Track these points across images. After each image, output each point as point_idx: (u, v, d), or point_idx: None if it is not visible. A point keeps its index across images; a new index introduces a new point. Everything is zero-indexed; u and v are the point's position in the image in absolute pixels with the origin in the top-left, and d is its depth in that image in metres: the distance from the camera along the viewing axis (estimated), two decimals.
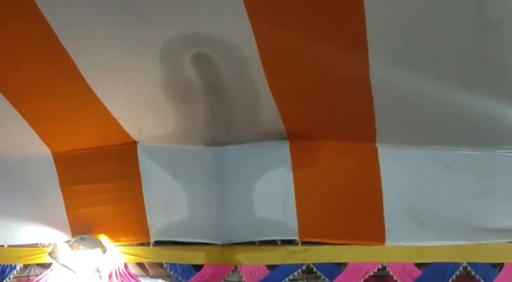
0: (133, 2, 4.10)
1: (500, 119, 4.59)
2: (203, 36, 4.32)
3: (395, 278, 5.26)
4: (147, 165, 5.46)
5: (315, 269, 5.41)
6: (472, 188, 5.03)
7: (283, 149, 5.27)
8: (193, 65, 4.58)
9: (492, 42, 4.02)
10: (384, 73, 4.31)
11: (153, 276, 5.68)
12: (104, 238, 5.58)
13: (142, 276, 5.68)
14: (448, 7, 3.85)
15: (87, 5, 4.12)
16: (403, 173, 5.13)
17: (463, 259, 5.16)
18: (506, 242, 5.09)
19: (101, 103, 4.92)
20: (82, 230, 5.57)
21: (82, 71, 4.61)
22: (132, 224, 5.58)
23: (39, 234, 5.67)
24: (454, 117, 4.68)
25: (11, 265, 5.74)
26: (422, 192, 5.12)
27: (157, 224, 5.55)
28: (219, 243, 5.51)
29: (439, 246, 5.16)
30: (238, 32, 4.20)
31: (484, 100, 4.44)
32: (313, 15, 4.00)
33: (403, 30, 3.99)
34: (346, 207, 5.25)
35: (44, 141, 5.37)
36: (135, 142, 5.42)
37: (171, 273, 5.63)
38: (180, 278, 5.60)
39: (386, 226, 5.19)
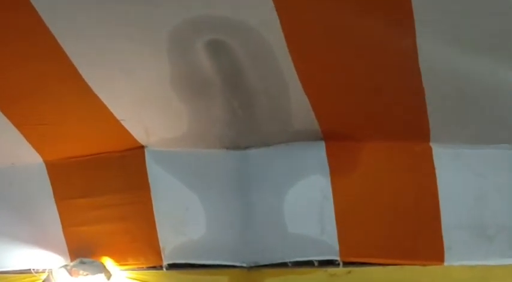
0: None
1: None
2: (217, 20, 4.04)
3: None
4: (157, 174, 5.16)
5: None
6: None
7: (319, 152, 4.93)
8: (207, 55, 4.31)
9: None
10: (436, 58, 3.99)
11: None
12: (108, 261, 5.27)
13: None
14: None
15: None
16: (463, 178, 4.76)
17: None
18: None
19: (101, 103, 4.66)
20: (82, 252, 5.28)
21: (77, 66, 4.32)
22: (141, 243, 5.27)
23: (31, 257, 5.34)
24: None
25: None
26: (488, 200, 4.74)
27: (171, 243, 5.23)
28: (245, 265, 5.17)
29: (510, 265, 4.73)
30: (258, 12, 3.91)
31: None
32: None
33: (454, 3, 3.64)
34: (396, 220, 4.90)
35: (34, 148, 5.08)
36: (142, 147, 5.13)
37: None
38: None
39: (445, 242, 4.80)
